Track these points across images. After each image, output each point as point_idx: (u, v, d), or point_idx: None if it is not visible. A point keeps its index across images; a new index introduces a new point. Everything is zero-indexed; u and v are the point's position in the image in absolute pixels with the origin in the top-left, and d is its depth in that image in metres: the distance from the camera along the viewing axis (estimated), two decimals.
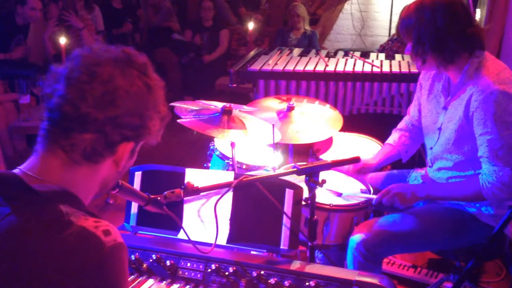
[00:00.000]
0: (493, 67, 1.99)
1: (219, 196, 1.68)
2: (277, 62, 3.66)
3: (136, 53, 1.16)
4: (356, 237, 2.05)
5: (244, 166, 2.50)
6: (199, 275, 1.55)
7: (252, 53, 4.04)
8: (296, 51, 4.15)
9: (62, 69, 1.09)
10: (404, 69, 3.51)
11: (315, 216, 1.80)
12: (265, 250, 1.68)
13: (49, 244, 0.99)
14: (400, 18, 2.10)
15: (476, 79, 1.98)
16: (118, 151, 1.12)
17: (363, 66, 3.58)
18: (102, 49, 1.13)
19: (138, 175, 1.83)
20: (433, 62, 2.01)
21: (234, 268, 1.52)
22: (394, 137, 2.48)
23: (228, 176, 1.74)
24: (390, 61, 3.69)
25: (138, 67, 1.13)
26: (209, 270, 1.54)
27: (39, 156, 1.10)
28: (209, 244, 1.61)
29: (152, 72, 1.17)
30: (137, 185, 1.82)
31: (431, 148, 2.23)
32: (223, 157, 2.55)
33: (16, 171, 1.10)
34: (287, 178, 1.76)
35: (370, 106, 3.57)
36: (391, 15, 6.49)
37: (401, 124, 2.51)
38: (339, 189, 2.24)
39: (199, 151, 4.53)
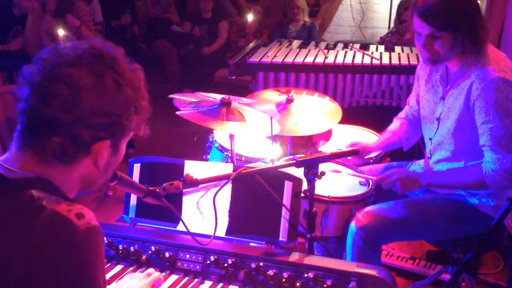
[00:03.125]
0: (493, 56, 1.99)
1: (218, 188, 1.68)
2: (276, 54, 3.65)
3: (106, 48, 1.12)
4: (357, 222, 2.06)
5: (243, 158, 2.50)
6: (198, 267, 1.56)
7: (251, 45, 4.03)
8: (296, 43, 4.14)
9: (27, 72, 1.07)
10: (404, 61, 3.50)
11: (314, 208, 1.80)
12: (264, 242, 1.69)
13: (20, 230, 0.98)
14: (424, 2, 1.96)
15: (476, 68, 1.98)
16: (92, 151, 1.10)
17: (363, 58, 3.57)
18: (67, 47, 1.10)
19: (137, 167, 1.83)
20: (446, 50, 1.97)
21: (233, 259, 1.52)
22: (395, 124, 2.48)
23: (227, 168, 1.74)
24: (390, 53, 3.69)
25: (107, 63, 1.09)
26: (208, 261, 1.55)
27: (13, 154, 1.10)
28: (208, 236, 1.61)
29: (124, 66, 1.13)
30: (136, 177, 1.82)
31: (430, 139, 2.23)
32: (222, 149, 2.55)
33: None
34: (286, 170, 1.76)
35: (369, 98, 3.56)
36: (390, 7, 6.47)
37: (401, 114, 2.51)
38: (338, 180, 2.24)
39: (198, 143, 4.53)
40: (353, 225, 2.07)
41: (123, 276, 1.55)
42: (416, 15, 1.96)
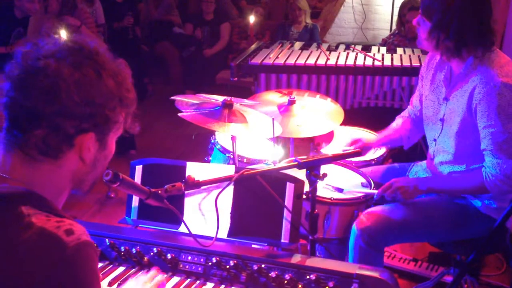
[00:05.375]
0: (497, 60, 1.98)
1: (220, 189, 1.68)
2: (278, 56, 3.65)
3: (86, 41, 1.11)
4: (359, 223, 2.05)
5: (245, 160, 2.50)
6: (200, 269, 1.56)
7: (253, 46, 4.03)
8: (297, 44, 4.14)
9: (7, 68, 1.07)
10: (406, 62, 3.50)
11: (316, 210, 1.80)
12: (266, 244, 1.69)
13: (8, 248, 0.97)
14: None
15: (479, 71, 1.97)
16: (76, 144, 1.09)
17: (365, 59, 3.57)
18: (46, 42, 1.09)
19: (139, 169, 1.83)
20: (447, 47, 1.98)
21: (235, 261, 1.52)
22: (397, 122, 2.47)
23: (229, 170, 1.74)
24: (392, 55, 3.68)
25: (87, 54, 1.09)
26: (210, 263, 1.55)
27: (1, 157, 1.09)
28: (210, 238, 1.61)
29: (106, 58, 1.12)
30: (138, 178, 1.82)
31: (434, 140, 2.22)
32: (224, 150, 2.55)
33: None
34: (288, 171, 1.76)
35: (371, 100, 3.56)
36: (392, 8, 6.46)
37: (404, 113, 2.51)
38: (340, 184, 2.24)
39: (200, 145, 4.53)
40: (355, 226, 2.06)
41: (125, 278, 1.55)
42: None
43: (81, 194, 1.21)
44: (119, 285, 1.53)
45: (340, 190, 2.21)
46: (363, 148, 2.37)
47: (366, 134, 2.59)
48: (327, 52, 3.73)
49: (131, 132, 1.24)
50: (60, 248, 0.98)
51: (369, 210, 2.12)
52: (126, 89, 1.14)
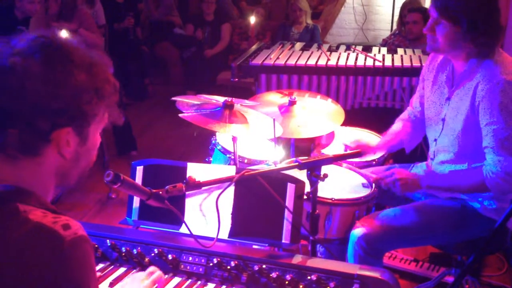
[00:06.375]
0: (500, 58, 1.98)
1: (220, 190, 1.68)
2: (279, 56, 3.65)
3: (56, 35, 1.11)
4: (357, 231, 2.05)
5: (245, 161, 2.50)
6: (201, 269, 1.56)
7: (254, 47, 4.03)
8: (298, 45, 4.14)
9: None
10: (406, 63, 3.51)
11: (317, 210, 1.80)
12: (267, 244, 1.69)
13: (5, 244, 0.97)
14: None
15: (483, 68, 1.97)
16: (53, 139, 1.08)
17: (365, 60, 3.57)
18: (18, 39, 1.09)
19: (139, 170, 1.83)
20: (446, 40, 1.96)
21: (236, 262, 1.52)
22: (397, 125, 2.46)
23: (229, 171, 1.74)
24: (392, 55, 3.69)
25: (55, 48, 1.08)
26: (211, 264, 1.55)
27: None
28: (211, 238, 1.61)
29: (76, 52, 1.10)
30: (139, 179, 1.82)
31: (435, 140, 2.22)
32: (224, 151, 2.56)
33: None
34: (288, 172, 1.76)
35: (372, 100, 3.56)
36: (393, 9, 6.47)
37: (403, 115, 2.50)
38: (340, 183, 2.24)
39: (201, 146, 4.53)
40: (354, 234, 2.06)
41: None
42: None
43: (68, 188, 1.20)
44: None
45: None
46: (364, 153, 2.36)
47: (368, 138, 2.59)
48: (328, 53, 3.73)
49: (117, 124, 1.21)
50: (57, 242, 0.98)
51: (367, 217, 2.11)
52: (103, 80, 1.12)
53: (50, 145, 1.08)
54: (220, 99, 2.22)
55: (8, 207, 1.02)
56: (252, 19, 5.12)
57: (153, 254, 1.60)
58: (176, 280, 1.56)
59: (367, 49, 3.97)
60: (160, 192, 1.57)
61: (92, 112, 1.11)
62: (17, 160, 1.07)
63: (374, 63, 3.50)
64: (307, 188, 1.74)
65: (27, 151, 1.07)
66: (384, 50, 3.99)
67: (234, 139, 2.24)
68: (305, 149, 3.17)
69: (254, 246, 1.71)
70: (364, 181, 2.30)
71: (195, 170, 1.77)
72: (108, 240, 1.64)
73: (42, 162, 1.09)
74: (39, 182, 1.10)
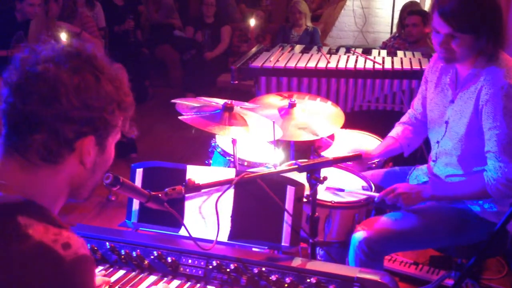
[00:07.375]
0: (504, 62, 1.98)
1: (220, 193, 1.68)
2: (278, 59, 3.65)
3: (83, 46, 1.12)
4: (358, 235, 2.05)
5: (245, 163, 2.50)
6: (200, 272, 1.55)
7: (253, 50, 4.03)
8: (298, 47, 4.14)
9: (6, 74, 1.08)
10: (406, 66, 3.50)
11: (317, 213, 1.80)
12: (266, 247, 1.68)
13: (3, 260, 0.96)
14: (446, 1, 1.92)
15: (487, 72, 1.97)
16: (77, 148, 1.09)
17: (365, 63, 3.57)
18: (44, 47, 1.10)
19: (139, 172, 1.83)
20: (464, 50, 1.95)
21: (235, 264, 1.52)
22: (397, 130, 2.46)
23: (229, 173, 1.73)
24: (392, 58, 3.68)
25: (84, 59, 1.09)
26: (210, 266, 1.54)
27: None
28: (211, 241, 1.61)
29: (103, 63, 1.12)
30: (138, 182, 1.82)
31: (437, 142, 2.21)
32: (224, 154, 2.55)
33: None
34: (288, 175, 1.76)
35: (371, 103, 3.56)
36: (393, 11, 6.48)
37: (404, 118, 2.49)
38: (340, 186, 2.23)
39: (201, 148, 4.53)
40: (355, 237, 2.05)
41: (125, 281, 1.55)
42: (436, 13, 1.93)
43: (80, 201, 1.20)
44: None
45: (341, 190, 2.20)
46: (364, 159, 2.36)
47: (366, 144, 2.58)
48: (328, 55, 3.73)
49: (128, 136, 1.24)
50: (57, 263, 0.97)
51: (368, 220, 2.11)
52: (124, 93, 1.15)
53: (73, 153, 1.09)
54: (220, 101, 2.22)
55: (9, 220, 1.00)
56: (252, 22, 5.13)
57: (152, 257, 1.60)
58: (176, 282, 1.56)
59: (367, 51, 3.97)
60: (160, 195, 1.57)
61: (113, 123, 1.13)
62: (35, 167, 1.07)
63: (374, 65, 3.50)
64: (307, 191, 1.74)
65: (50, 159, 1.07)
66: (384, 52, 3.99)
67: (233, 141, 2.23)
68: (304, 152, 3.17)
69: (254, 249, 1.70)
70: (364, 183, 2.30)
71: (195, 173, 1.77)
72: (107, 243, 1.64)
73: (61, 170, 1.10)
74: (51, 191, 1.10)
